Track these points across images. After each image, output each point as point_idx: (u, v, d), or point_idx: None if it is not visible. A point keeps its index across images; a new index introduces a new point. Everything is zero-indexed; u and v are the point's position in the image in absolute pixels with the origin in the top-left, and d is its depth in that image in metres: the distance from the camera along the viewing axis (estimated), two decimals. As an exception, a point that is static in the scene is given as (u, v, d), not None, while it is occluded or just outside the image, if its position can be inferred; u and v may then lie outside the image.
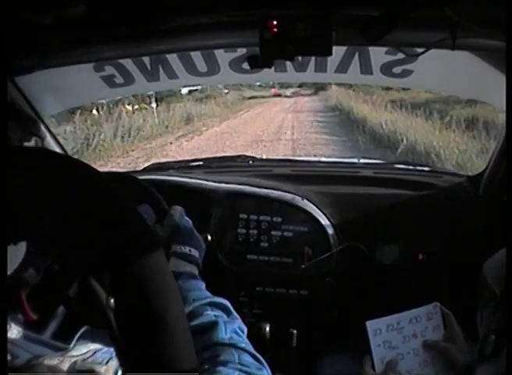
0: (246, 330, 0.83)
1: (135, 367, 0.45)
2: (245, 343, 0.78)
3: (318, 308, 1.51)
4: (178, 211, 1.07)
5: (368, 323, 1.02)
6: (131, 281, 0.45)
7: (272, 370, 0.80)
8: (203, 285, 0.94)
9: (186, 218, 1.07)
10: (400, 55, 1.25)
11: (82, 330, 0.59)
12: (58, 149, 1.61)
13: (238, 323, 0.83)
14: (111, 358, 0.55)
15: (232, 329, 0.79)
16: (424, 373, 1.00)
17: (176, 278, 0.87)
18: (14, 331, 0.53)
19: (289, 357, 1.47)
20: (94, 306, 0.50)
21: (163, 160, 4.44)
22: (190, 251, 0.99)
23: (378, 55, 1.30)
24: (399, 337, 1.02)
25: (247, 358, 0.74)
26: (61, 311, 0.60)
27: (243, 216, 1.49)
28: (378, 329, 1.02)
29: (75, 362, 0.54)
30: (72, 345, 0.57)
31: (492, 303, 0.84)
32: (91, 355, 0.56)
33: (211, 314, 0.81)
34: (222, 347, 0.74)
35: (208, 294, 0.89)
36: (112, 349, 0.56)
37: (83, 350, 0.56)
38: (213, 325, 0.78)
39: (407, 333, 1.02)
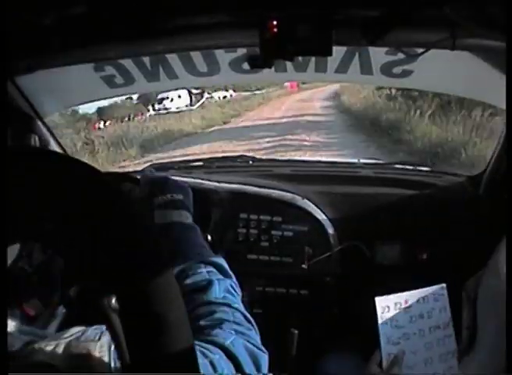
0: (239, 289, 0.82)
1: (136, 368, 0.45)
2: (238, 302, 0.77)
3: (318, 308, 1.51)
4: (148, 170, 1.00)
5: (377, 300, 1.03)
6: (131, 281, 0.45)
7: (272, 370, 0.80)
8: (197, 233, 0.88)
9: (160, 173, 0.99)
10: (400, 56, 1.25)
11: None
12: (58, 149, 1.61)
13: (230, 281, 0.81)
14: (102, 332, 0.55)
15: (225, 288, 0.78)
16: (429, 355, 1.01)
17: (166, 230, 0.85)
18: (11, 326, 0.54)
19: (289, 357, 1.47)
20: (94, 306, 0.50)
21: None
22: (172, 196, 0.90)
23: (378, 55, 1.30)
24: (406, 316, 1.02)
25: (240, 317, 0.74)
26: (61, 311, 0.60)
27: (243, 215, 1.49)
28: (386, 306, 1.02)
29: (69, 343, 0.54)
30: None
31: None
32: (82, 334, 0.56)
33: (204, 272, 0.79)
34: (216, 306, 0.74)
35: (201, 247, 0.86)
36: (101, 326, 0.56)
37: (73, 331, 0.57)
38: (207, 284, 0.77)
39: (414, 312, 1.02)
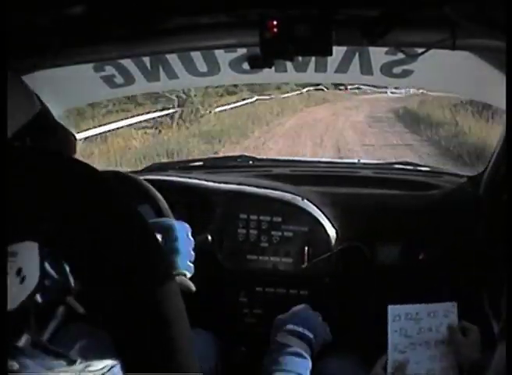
0: None
1: (134, 368, 0.45)
2: None
3: (318, 309, 1.51)
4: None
5: (390, 308, 1.06)
6: (130, 280, 0.45)
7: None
8: (306, 365, 0.99)
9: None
10: (400, 56, 1.25)
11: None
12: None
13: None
14: None
15: None
16: (432, 367, 1.03)
17: (279, 350, 0.97)
18: (22, 339, 0.53)
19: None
20: (91, 306, 0.50)
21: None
22: (303, 330, 1.06)
23: (378, 55, 1.30)
24: (415, 327, 1.05)
25: None
26: (61, 311, 0.60)
27: (243, 216, 1.49)
28: (397, 315, 1.06)
29: None
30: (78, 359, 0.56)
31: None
32: (107, 371, 0.55)
33: None
34: None
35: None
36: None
37: (99, 365, 0.55)
38: None
39: (423, 325, 1.06)
